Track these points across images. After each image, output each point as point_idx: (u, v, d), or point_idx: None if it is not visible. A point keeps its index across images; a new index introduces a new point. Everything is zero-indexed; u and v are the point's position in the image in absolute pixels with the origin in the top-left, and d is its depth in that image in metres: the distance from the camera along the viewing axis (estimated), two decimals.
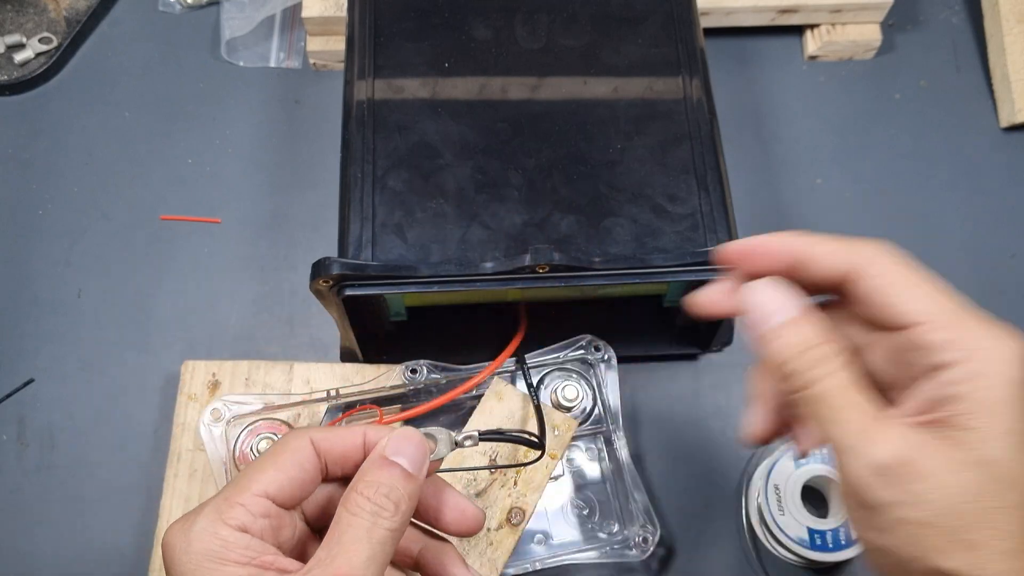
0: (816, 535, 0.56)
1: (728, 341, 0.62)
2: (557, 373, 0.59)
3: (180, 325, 0.63)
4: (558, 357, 0.59)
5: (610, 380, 0.58)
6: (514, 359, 0.58)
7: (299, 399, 0.56)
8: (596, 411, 0.58)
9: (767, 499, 0.56)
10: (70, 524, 0.59)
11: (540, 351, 0.59)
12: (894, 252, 0.38)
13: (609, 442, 0.58)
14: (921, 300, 0.37)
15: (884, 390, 0.37)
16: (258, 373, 0.60)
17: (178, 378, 0.61)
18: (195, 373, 0.60)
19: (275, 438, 0.55)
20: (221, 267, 0.67)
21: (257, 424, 0.56)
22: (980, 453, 0.34)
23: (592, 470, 0.58)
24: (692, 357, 0.65)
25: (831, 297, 0.39)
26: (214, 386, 0.59)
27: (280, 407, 0.56)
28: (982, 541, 0.33)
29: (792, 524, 0.56)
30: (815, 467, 0.57)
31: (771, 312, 0.38)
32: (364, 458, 0.39)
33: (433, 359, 0.59)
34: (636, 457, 0.62)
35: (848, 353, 0.36)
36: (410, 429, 0.40)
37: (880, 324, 0.37)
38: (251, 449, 0.55)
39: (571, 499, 0.57)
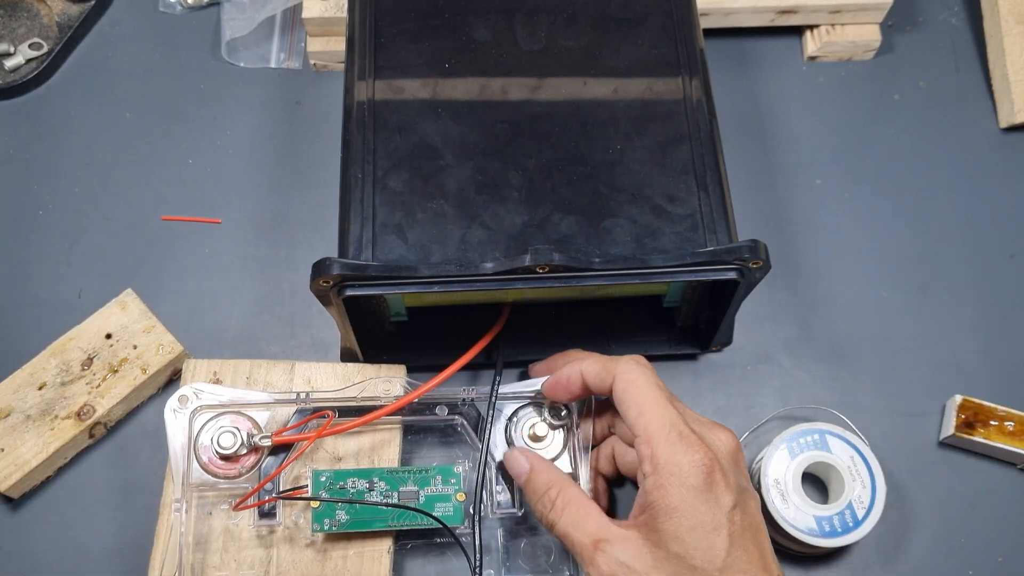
0: (824, 521, 0.56)
1: (728, 341, 0.62)
2: (533, 407, 0.57)
3: (181, 325, 0.63)
4: (537, 390, 0.57)
5: (585, 423, 0.57)
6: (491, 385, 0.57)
7: (269, 398, 0.56)
8: (567, 449, 0.57)
9: (770, 495, 0.56)
10: (70, 523, 0.59)
11: (519, 384, 0.58)
12: (634, 370, 0.50)
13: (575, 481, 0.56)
14: (637, 419, 0.49)
15: None
16: (259, 372, 0.60)
17: (179, 377, 0.61)
18: (196, 372, 0.60)
19: (237, 432, 0.54)
20: (222, 267, 0.67)
21: (223, 416, 0.56)
22: (669, 548, 0.46)
23: None
24: (692, 357, 0.65)
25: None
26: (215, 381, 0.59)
27: (249, 404, 0.56)
28: None
29: (798, 516, 0.56)
30: (812, 454, 0.57)
31: (518, 472, 0.54)
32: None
33: (433, 359, 0.59)
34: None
35: (566, 491, 0.51)
36: None
37: (627, 431, 0.51)
38: (212, 440, 0.54)
39: (526, 538, 0.56)
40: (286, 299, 0.66)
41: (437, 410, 0.57)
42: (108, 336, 0.62)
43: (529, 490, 0.52)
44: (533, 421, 0.57)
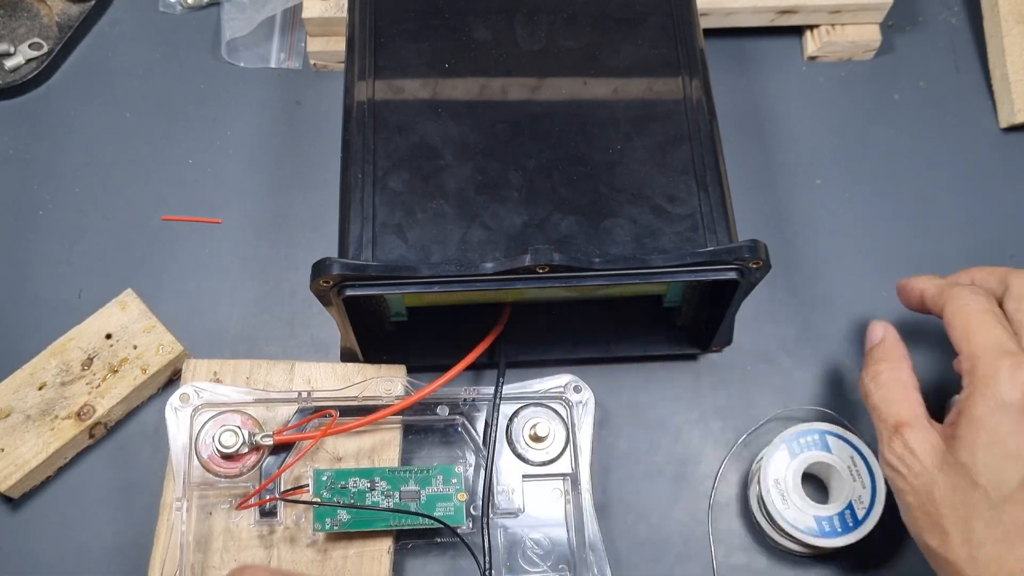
0: (824, 522, 0.56)
1: (728, 341, 0.62)
2: (533, 408, 0.58)
3: (181, 325, 0.63)
4: (538, 391, 0.58)
5: (585, 424, 0.57)
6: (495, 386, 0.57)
7: (270, 397, 0.56)
8: (567, 451, 0.57)
9: (769, 495, 0.56)
10: (70, 523, 0.59)
11: (519, 384, 0.58)
12: (964, 295, 0.51)
13: (576, 485, 0.57)
14: (960, 341, 0.49)
15: None
16: (259, 372, 0.60)
17: (179, 377, 0.61)
18: (196, 372, 0.60)
19: (238, 431, 0.54)
20: (222, 267, 0.67)
21: (224, 415, 0.56)
22: (959, 456, 0.45)
23: (555, 511, 0.57)
24: (692, 357, 0.65)
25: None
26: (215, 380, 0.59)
27: (250, 403, 0.56)
28: (948, 530, 0.45)
29: (798, 516, 0.56)
30: (812, 454, 0.57)
31: (871, 339, 0.55)
32: None
33: (433, 360, 0.59)
34: (634, 452, 0.62)
35: (901, 371, 0.51)
36: None
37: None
38: (214, 439, 0.54)
39: (527, 537, 0.57)
40: (286, 299, 0.66)
41: (438, 410, 0.57)
42: (108, 336, 0.62)
43: (868, 357, 0.53)
44: (535, 421, 0.57)
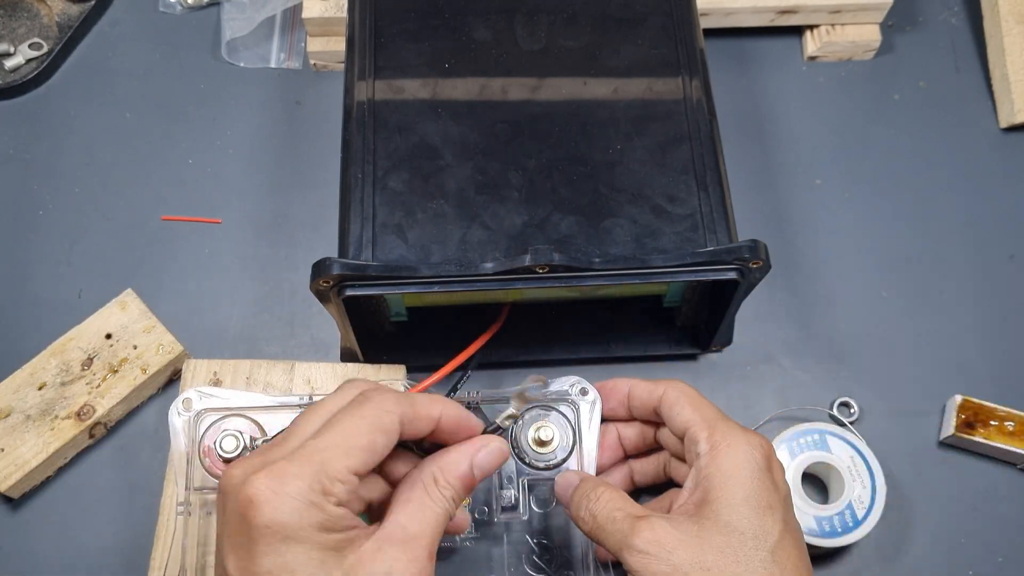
0: (824, 521, 0.56)
1: (728, 341, 0.62)
2: (539, 409, 0.56)
3: (181, 326, 0.63)
4: (546, 393, 0.56)
5: (592, 425, 0.56)
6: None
7: (272, 401, 0.56)
8: (573, 453, 0.55)
9: None
10: (70, 523, 0.59)
11: (522, 386, 0.56)
12: (683, 386, 0.52)
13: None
14: (692, 413, 0.51)
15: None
16: (259, 372, 0.60)
17: (179, 377, 0.61)
18: (196, 372, 0.60)
19: (240, 435, 0.54)
20: (222, 267, 0.67)
21: (227, 419, 0.55)
22: (720, 516, 0.45)
23: (558, 512, 0.57)
24: (692, 357, 0.65)
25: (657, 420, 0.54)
26: (215, 385, 0.59)
27: (253, 407, 0.56)
28: None
29: (799, 515, 0.55)
30: (812, 454, 0.57)
31: (566, 488, 0.52)
32: (431, 430, 0.46)
33: (433, 359, 0.59)
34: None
35: (611, 490, 0.49)
36: (504, 447, 0.49)
37: (676, 433, 0.52)
38: (216, 444, 0.54)
39: (531, 541, 0.56)
40: (286, 299, 0.66)
41: None
42: (108, 336, 0.62)
43: (571, 501, 0.51)
44: (539, 425, 0.55)
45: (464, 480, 0.46)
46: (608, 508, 0.48)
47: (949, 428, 0.61)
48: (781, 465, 0.49)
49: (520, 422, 0.56)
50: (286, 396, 0.56)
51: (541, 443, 0.55)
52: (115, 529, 0.59)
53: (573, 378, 0.57)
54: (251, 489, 0.40)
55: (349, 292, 0.50)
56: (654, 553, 0.45)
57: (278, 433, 0.53)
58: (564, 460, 0.55)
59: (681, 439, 0.51)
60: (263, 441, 0.54)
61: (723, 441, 0.48)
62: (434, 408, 0.46)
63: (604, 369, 0.63)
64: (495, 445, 0.48)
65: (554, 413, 0.56)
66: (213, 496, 0.55)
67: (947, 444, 0.63)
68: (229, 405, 0.56)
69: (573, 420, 0.56)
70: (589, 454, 0.55)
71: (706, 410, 0.51)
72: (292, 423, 0.46)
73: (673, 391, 0.52)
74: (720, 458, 0.48)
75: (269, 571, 0.40)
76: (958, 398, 0.62)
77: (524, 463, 0.56)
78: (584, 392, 0.56)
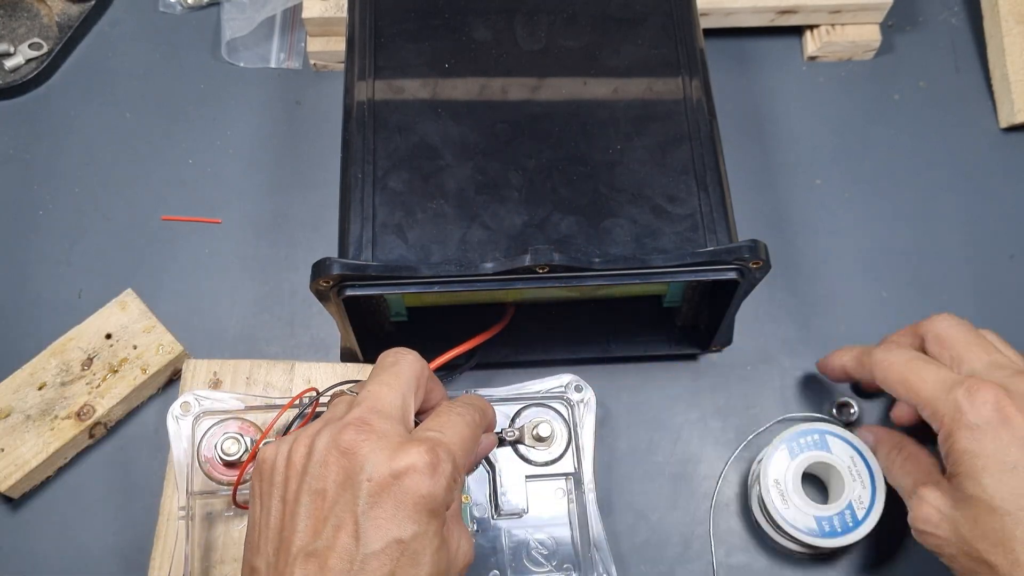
0: (824, 522, 0.56)
1: (728, 341, 0.62)
2: (535, 408, 0.57)
3: (181, 326, 0.63)
4: (539, 392, 0.58)
5: (587, 423, 0.57)
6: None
7: (270, 403, 0.56)
8: (570, 451, 0.57)
9: (769, 495, 0.56)
10: (70, 523, 0.59)
11: (520, 384, 0.58)
12: (886, 353, 0.53)
13: (579, 484, 0.56)
14: (908, 391, 0.51)
15: None
16: (259, 372, 0.60)
17: (179, 377, 0.61)
18: (196, 372, 0.60)
19: (241, 438, 0.54)
20: (222, 267, 0.67)
21: (226, 422, 0.55)
22: (966, 491, 0.47)
23: (559, 510, 0.57)
24: (692, 357, 0.65)
25: None
26: (215, 385, 0.59)
27: (252, 408, 0.56)
28: (993, 562, 0.46)
29: (798, 516, 0.56)
30: (812, 454, 0.57)
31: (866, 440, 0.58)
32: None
33: (433, 360, 0.59)
34: (635, 453, 0.62)
35: (906, 448, 0.54)
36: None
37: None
38: (216, 447, 0.54)
39: (532, 538, 0.56)
40: (286, 299, 0.66)
41: None
42: (108, 336, 0.62)
43: (880, 454, 0.56)
44: (537, 421, 0.56)
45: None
46: (899, 472, 0.53)
47: None
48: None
49: (518, 419, 0.57)
50: (282, 397, 0.56)
51: (539, 439, 0.56)
52: (115, 529, 0.59)
53: (568, 376, 0.58)
54: (409, 460, 0.41)
55: (349, 292, 0.50)
56: (923, 528, 0.50)
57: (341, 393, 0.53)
58: (561, 456, 0.57)
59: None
60: (264, 443, 0.54)
61: (947, 416, 0.48)
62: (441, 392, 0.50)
63: (604, 369, 0.63)
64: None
65: (550, 410, 0.57)
66: (214, 500, 0.55)
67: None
68: (226, 408, 0.56)
69: (568, 416, 0.57)
70: (586, 450, 0.56)
71: (918, 386, 0.51)
72: (389, 388, 0.46)
73: (880, 373, 0.53)
74: (949, 436, 0.48)
75: (412, 538, 0.40)
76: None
77: (523, 459, 0.56)
78: (579, 389, 0.57)
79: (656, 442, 0.62)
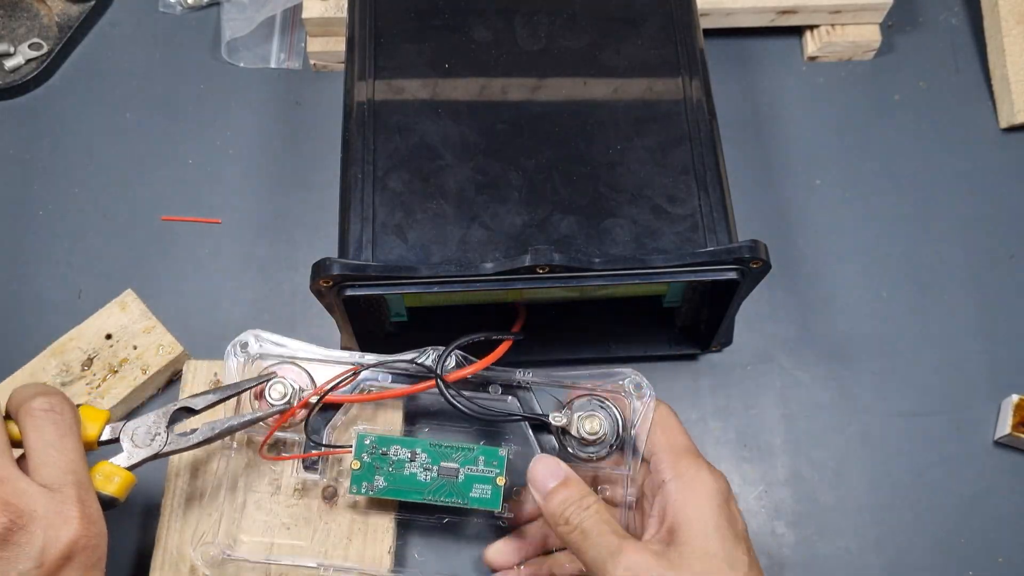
0: None
1: (728, 341, 0.62)
2: (585, 400, 0.55)
3: (181, 325, 0.63)
4: (598, 384, 0.55)
5: (643, 423, 0.53)
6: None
7: (326, 355, 0.56)
8: (614, 450, 0.54)
9: None
10: None
11: (577, 371, 0.55)
12: (662, 408, 0.54)
13: (631, 484, 0.54)
14: (662, 437, 0.52)
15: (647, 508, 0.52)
16: None
17: (179, 377, 0.61)
18: (197, 373, 0.60)
19: (284, 382, 0.54)
20: (222, 267, 0.67)
21: (279, 366, 0.56)
22: (700, 546, 0.47)
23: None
24: (692, 357, 0.65)
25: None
26: (215, 385, 0.59)
27: (307, 359, 0.57)
28: None
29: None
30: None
31: (547, 478, 0.51)
32: None
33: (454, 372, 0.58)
34: None
35: (600, 502, 0.50)
36: None
37: (644, 454, 0.53)
38: (266, 390, 0.55)
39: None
40: (286, 299, 0.66)
41: (490, 389, 0.57)
42: (108, 336, 0.62)
43: (558, 499, 0.50)
44: (588, 413, 0.54)
45: None
46: (596, 521, 0.49)
47: (1005, 428, 0.61)
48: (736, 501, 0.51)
49: (570, 407, 0.55)
50: (339, 352, 0.57)
51: (586, 433, 0.54)
52: (114, 530, 0.59)
53: (628, 370, 0.55)
54: None
55: (349, 292, 0.50)
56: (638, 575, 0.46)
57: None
58: (608, 454, 0.55)
59: (647, 461, 0.53)
60: (311, 394, 0.55)
61: (688, 472, 0.50)
62: None
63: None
64: None
65: (603, 405, 0.55)
66: (259, 437, 0.56)
67: (947, 443, 0.63)
68: (283, 352, 0.56)
69: (620, 412, 0.54)
70: (637, 451, 0.54)
71: (677, 437, 0.52)
72: None
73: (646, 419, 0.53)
74: (687, 489, 0.49)
75: None
76: (1015, 398, 0.61)
77: (568, 453, 0.55)
78: (639, 386, 0.54)
79: None
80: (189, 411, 0.53)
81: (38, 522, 0.44)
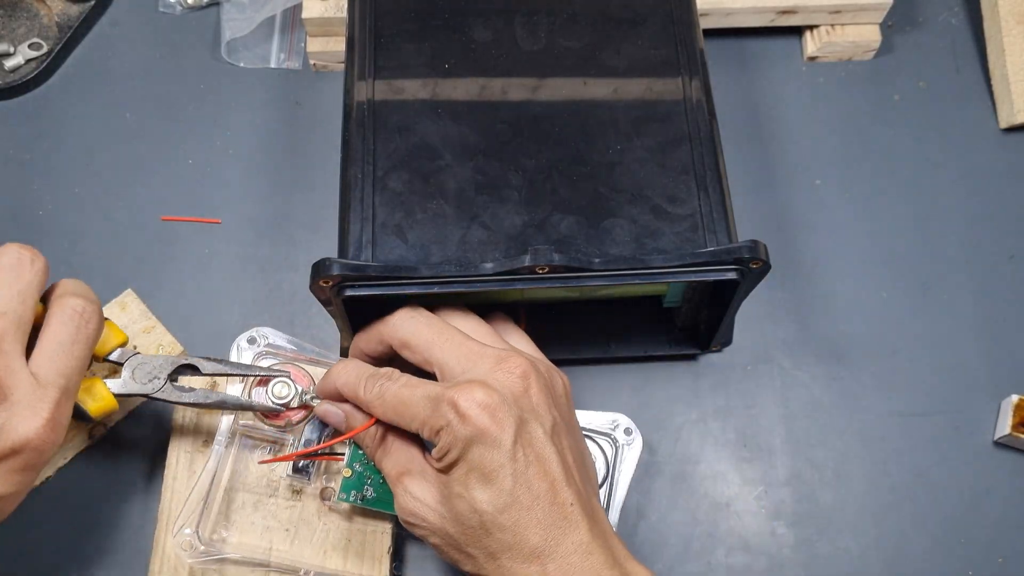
0: None
1: (728, 341, 0.62)
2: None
3: (181, 325, 0.63)
4: (590, 423, 0.57)
5: (626, 467, 0.56)
6: None
7: (330, 356, 0.57)
8: (603, 490, 0.56)
9: None
10: (68, 522, 0.59)
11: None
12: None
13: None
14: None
15: None
16: None
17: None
18: None
19: (289, 382, 0.55)
20: (222, 267, 0.67)
21: (284, 366, 0.57)
22: (452, 489, 0.47)
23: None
24: (692, 357, 0.65)
25: None
26: (214, 385, 0.59)
27: (310, 359, 0.58)
28: (472, 554, 0.47)
29: None
30: None
31: (337, 421, 0.53)
32: None
33: None
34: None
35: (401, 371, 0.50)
36: None
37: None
38: (268, 388, 0.55)
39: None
40: (286, 300, 0.66)
41: None
42: None
43: (358, 439, 0.52)
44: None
45: None
46: (381, 458, 0.51)
47: (1005, 428, 0.61)
48: (512, 394, 0.47)
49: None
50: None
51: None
52: (114, 530, 0.59)
53: (622, 416, 0.57)
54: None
55: (349, 292, 0.50)
56: (411, 520, 0.48)
57: None
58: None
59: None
60: (312, 396, 0.55)
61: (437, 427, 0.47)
62: None
63: (604, 369, 0.63)
64: None
65: (592, 443, 0.56)
66: (254, 435, 0.57)
67: (947, 444, 0.63)
68: (287, 352, 0.57)
69: (611, 457, 0.56)
70: (619, 496, 0.56)
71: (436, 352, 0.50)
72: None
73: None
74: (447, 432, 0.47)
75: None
76: (1014, 398, 0.61)
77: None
78: (628, 432, 0.57)
79: (656, 442, 0.62)
80: (195, 370, 0.55)
81: (7, 403, 0.45)
